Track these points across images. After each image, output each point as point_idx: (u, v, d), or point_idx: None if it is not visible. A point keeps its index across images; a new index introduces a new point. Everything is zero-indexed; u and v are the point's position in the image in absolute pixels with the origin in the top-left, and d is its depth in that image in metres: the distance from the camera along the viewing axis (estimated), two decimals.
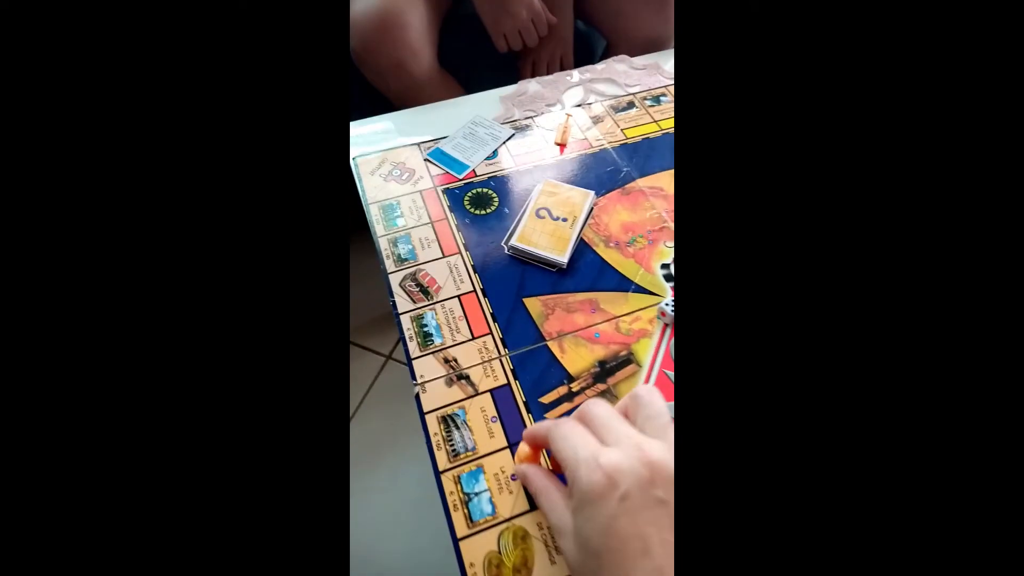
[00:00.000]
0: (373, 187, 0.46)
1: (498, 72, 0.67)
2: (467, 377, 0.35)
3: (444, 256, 0.42)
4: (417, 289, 0.40)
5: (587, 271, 0.41)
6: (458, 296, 0.39)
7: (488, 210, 0.45)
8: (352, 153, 0.49)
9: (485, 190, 0.46)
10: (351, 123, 0.52)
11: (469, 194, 0.46)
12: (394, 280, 0.40)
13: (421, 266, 0.41)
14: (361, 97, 0.68)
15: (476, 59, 0.70)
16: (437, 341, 0.37)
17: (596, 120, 0.52)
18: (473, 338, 0.37)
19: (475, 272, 0.41)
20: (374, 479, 0.76)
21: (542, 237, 0.42)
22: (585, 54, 0.78)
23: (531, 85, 0.56)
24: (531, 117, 0.52)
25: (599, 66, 0.58)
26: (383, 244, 0.42)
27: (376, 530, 0.71)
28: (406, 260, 0.41)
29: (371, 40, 0.59)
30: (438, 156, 0.49)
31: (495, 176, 0.47)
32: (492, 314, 0.38)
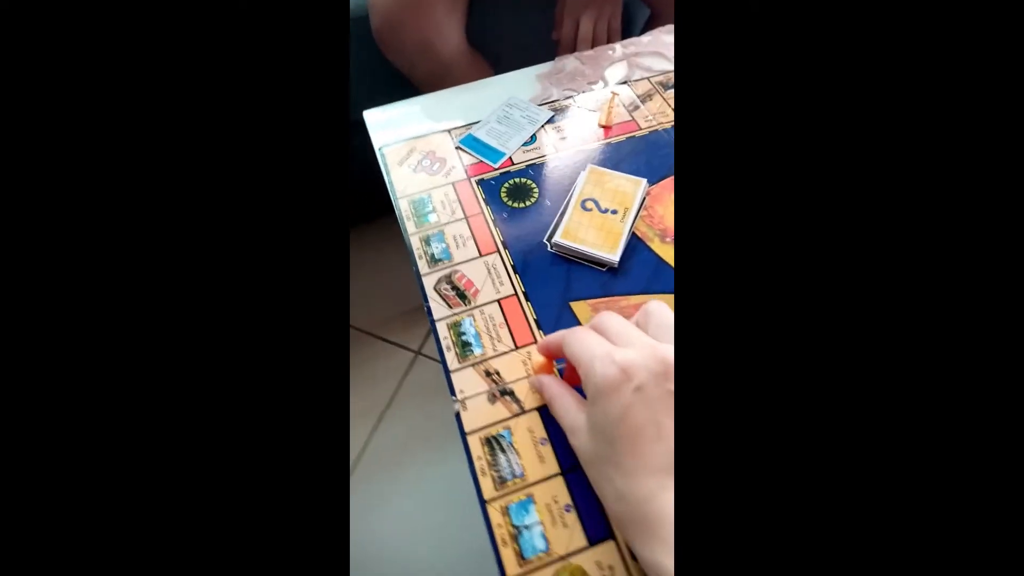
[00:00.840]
0: (402, 180, 0.42)
1: (530, 49, 0.62)
2: (511, 393, 0.32)
3: (481, 255, 0.38)
4: (453, 293, 0.36)
5: (641, 270, 0.36)
6: (498, 300, 0.36)
7: (528, 202, 0.41)
8: (377, 142, 0.45)
9: (523, 180, 0.42)
10: (375, 109, 0.48)
11: (506, 185, 0.42)
12: (428, 283, 0.37)
13: (457, 267, 0.37)
14: (384, 81, 0.64)
15: (505, 35, 0.65)
16: (477, 352, 0.33)
17: (644, 98, 0.47)
18: (516, 348, 0.33)
19: (516, 273, 0.37)
20: (403, 483, 0.74)
21: (589, 232, 0.38)
22: (626, 25, 0.72)
23: (569, 61, 0.51)
24: (571, 97, 0.48)
25: (644, 38, 0.53)
26: (415, 243, 0.39)
27: (407, 539, 0.69)
28: (440, 260, 0.38)
29: (395, 19, 0.55)
30: (471, 143, 0.44)
31: (534, 164, 0.43)
32: (536, 320, 0.34)
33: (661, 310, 0.27)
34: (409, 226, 0.40)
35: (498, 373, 0.32)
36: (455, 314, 0.35)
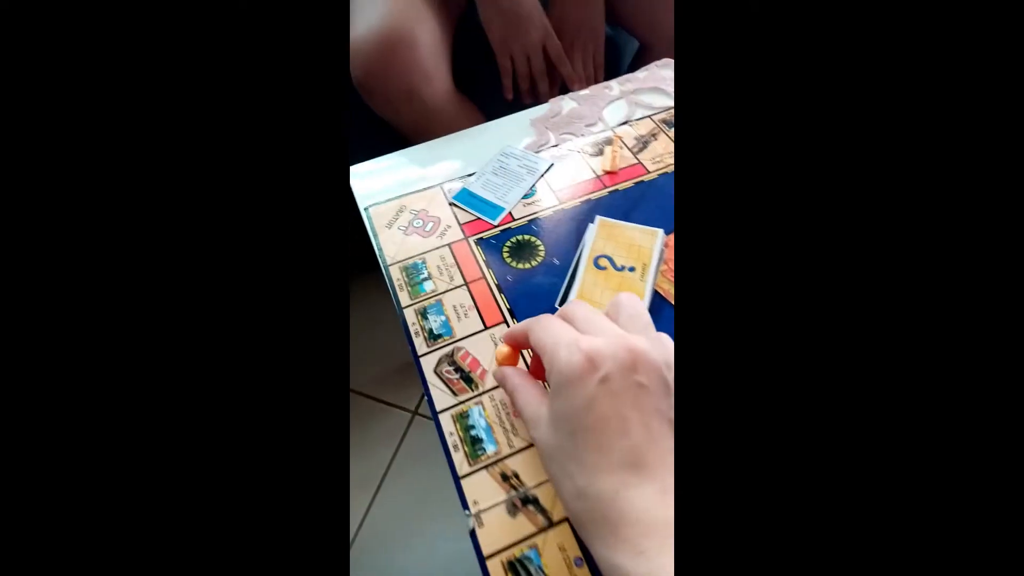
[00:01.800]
0: (392, 244, 0.38)
1: (516, 93, 0.59)
2: (535, 501, 0.27)
3: (487, 327, 0.33)
4: (457, 376, 0.31)
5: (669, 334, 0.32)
6: None
7: (533, 262, 0.36)
8: (363, 201, 0.41)
9: (527, 237, 0.38)
10: (358, 164, 0.44)
11: (508, 244, 0.37)
12: (427, 365, 0.32)
13: (459, 343, 0.33)
14: (367, 130, 0.60)
15: (494, 78, 0.62)
16: (490, 449, 0.28)
17: (647, 139, 0.44)
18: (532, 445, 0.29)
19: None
20: (407, 557, 0.67)
21: (606, 294, 0.33)
22: (612, 60, 0.70)
23: (565, 103, 0.48)
24: (569, 141, 0.44)
25: (640, 74, 0.50)
26: (410, 317, 0.34)
27: None
28: (440, 336, 0.33)
29: (377, 65, 0.51)
30: (466, 199, 0.40)
31: (536, 218, 0.39)
32: None
33: (632, 301, 0.26)
34: (402, 297, 0.35)
35: (516, 476, 0.27)
36: (461, 402, 0.30)
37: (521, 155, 0.43)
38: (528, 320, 0.27)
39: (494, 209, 0.40)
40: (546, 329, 0.25)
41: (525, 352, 0.31)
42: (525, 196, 0.40)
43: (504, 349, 0.29)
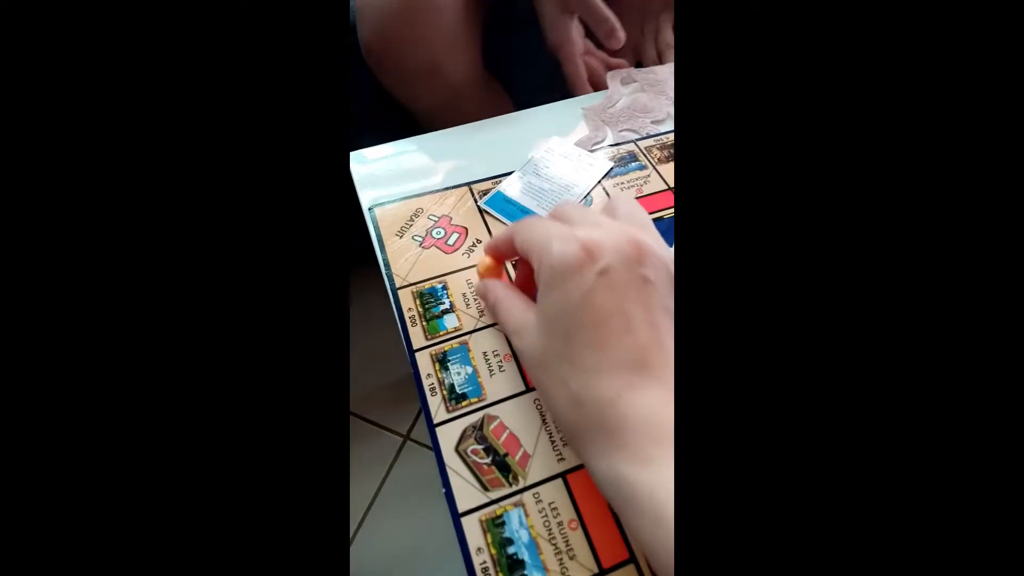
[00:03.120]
0: (403, 259, 0.29)
1: (557, 74, 0.50)
2: None
3: (529, 390, 0.24)
4: (487, 460, 0.22)
5: None
6: (562, 475, 0.22)
7: None
8: (366, 199, 0.32)
9: None
10: (362, 150, 0.35)
11: None
12: (447, 440, 0.23)
13: (490, 410, 0.24)
14: (376, 112, 0.51)
15: (527, 58, 0.53)
16: None
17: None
18: (602, 572, 0.20)
19: None
20: None
21: None
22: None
23: (625, 92, 0.38)
24: (631, 141, 0.35)
25: None
26: (424, 365, 0.25)
27: None
28: (464, 397, 0.24)
29: (392, 32, 0.42)
30: (500, 206, 0.31)
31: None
32: None
33: (628, 200, 0.24)
34: (415, 336, 0.26)
35: None
36: (493, 501, 0.21)
37: (573, 153, 0.34)
38: (512, 223, 0.24)
39: None
40: (534, 227, 0.22)
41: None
42: None
43: (487, 261, 0.26)
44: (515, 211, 0.31)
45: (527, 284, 0.24)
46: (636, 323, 0.19)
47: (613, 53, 0.42)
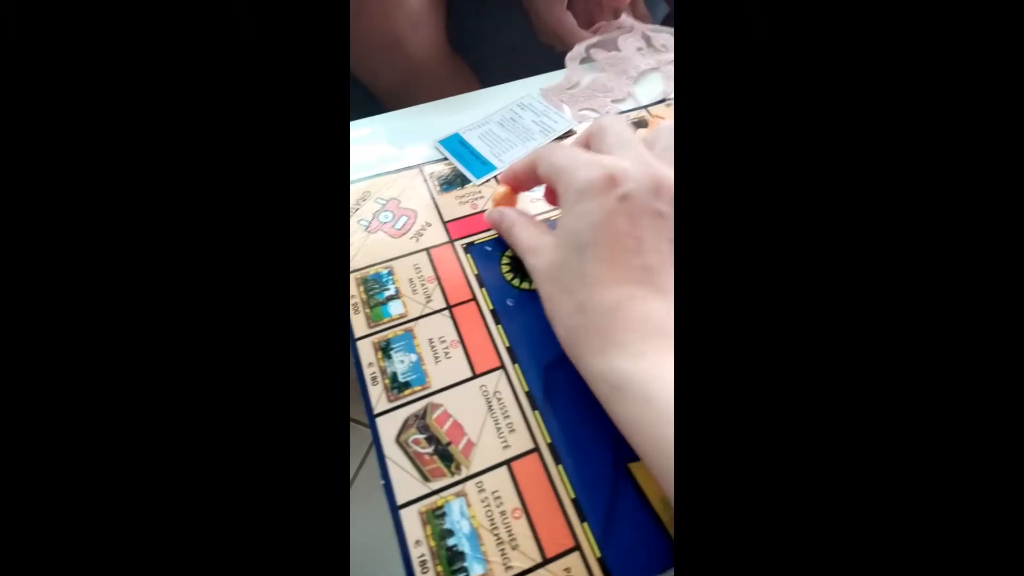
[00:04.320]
0: (350, 243, 0.28)
1: (523, 53, 0.49)
2: None
3: (476, 376, 0.23)
4: (429, 449, 0.21)
5: None
6: (507, 463, 0.21)
7: None
8: None
9: None
10: None
11: (510, 252, 0.27)
12: (387, 429, 0.22)
13: (434, 398, 0.23)
14: None
15: (490, 34, 0.51)
16: (476, 572, 0.19)
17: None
18: (545, 562, 0.19)
19: (535, 409, 0.23)
20: None
21: None
22: None
23: (586, 71, 0.37)
24: (590, 120, 0.34)
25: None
26: (365, 354, 0.24)
27: None
28: (407, 386, 0.23)
29: (352, 2, 0.40)
30: (453, 146, 0.31)
31: (549, 219, 0.29)
32: (575, 501, 0.20)
33: (670, 136, 0.24)
34: (357, 324, 0.25)
35: None
36: (434, 492, 0.20)
37: (541, 109, 0.33)
38: (536, 151, 0.25)
39: (482, 166, 0.30)
40: (560, 154, 0.23)
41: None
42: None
43: (502, 189, 0.27)
44: (465, 152, 0.31)
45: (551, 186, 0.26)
46: (647, 247, 0.20)
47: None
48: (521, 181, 0.26)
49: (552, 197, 0.27)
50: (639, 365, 0.18)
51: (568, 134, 0.33)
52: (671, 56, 0.38)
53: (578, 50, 0.38)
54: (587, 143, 0.24)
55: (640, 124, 0.34)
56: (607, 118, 0.25)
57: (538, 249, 0.23)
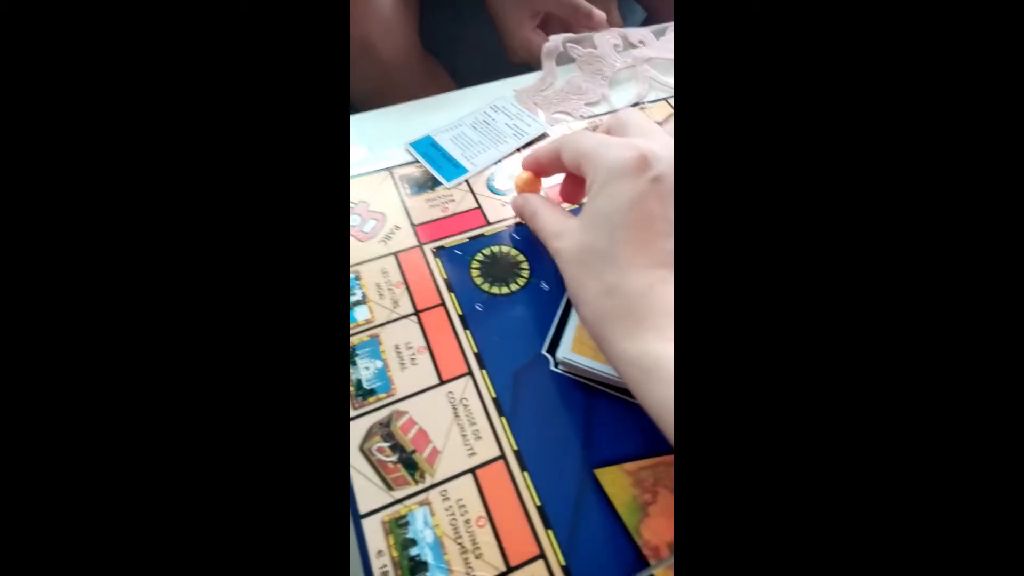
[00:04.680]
0: None
1: (498, 54, 0.48)
2: None
3: (443, 382, 0.23)
4: (393, 458, 0.21)
5: None
6: (472, 471, 0.21)
7: (514, 286, 0.26)
8: None
9: (506, 249, 0.28)
10: None
11: (480, 256, 0.27)
12: (351, 438, 0.22)
13: (400, 405, 0.22)
14: None
15: (462, 36, 0.51)
16: None
17: (665, 125, 0.34)
18: (509, 570, 0.19)
19: (502, 416, 0.22)
20: None
21: None
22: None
23: (559, 74, 0.37)
24: (564, 122, 0.34)
25: (665, 37, 0.40)
26: None
27: None
28: (372, 393, 0.23)
29: None
30: (425, 149, 0.31)
31: (522, 224, 0.29)
32: (541, 508, 0.20)
33: None
34: None
35: None
36: (398, 501, 0.20)
37: (515, 111, 0.33)
38: (557, 137, 0.24)
39: (453, 168, 0.30)
40: (585, 139, 0.23)
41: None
42: (499, 161, 0.30)
43: (525, 175, 0.26)
44: (436, 155, 0.31)
45: (567, 196, 0.27)
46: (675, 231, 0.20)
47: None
48: (543, 166, 0.26)
49: (568, 194, 0.26)
50: (671, 348, 0.18)
51: (541, 138, 0.33)
52: (648, 53, 0.38)
53: (555, 43, 0.38)
54: (612, 124, 0.24)
55: None
56: (626, 111, 0.25)
57: (563, 232, 0.22)
